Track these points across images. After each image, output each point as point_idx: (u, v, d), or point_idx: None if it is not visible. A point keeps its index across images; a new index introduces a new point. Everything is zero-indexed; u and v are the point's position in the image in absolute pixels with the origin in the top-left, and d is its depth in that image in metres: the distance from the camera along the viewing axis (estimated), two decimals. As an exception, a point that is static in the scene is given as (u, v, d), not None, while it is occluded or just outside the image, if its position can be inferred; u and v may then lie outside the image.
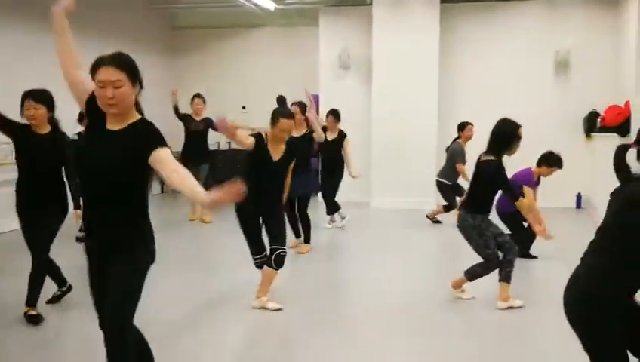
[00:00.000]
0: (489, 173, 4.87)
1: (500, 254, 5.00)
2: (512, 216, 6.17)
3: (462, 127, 8.47)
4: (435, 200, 10.14)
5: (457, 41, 10.50)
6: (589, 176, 9.66)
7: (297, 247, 7.03)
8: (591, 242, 2.74)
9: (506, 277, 5.00)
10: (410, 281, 5.94)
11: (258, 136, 4.86)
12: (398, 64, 10.27)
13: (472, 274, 5.10)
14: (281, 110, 5.12)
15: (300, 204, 7.03)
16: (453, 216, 8.45)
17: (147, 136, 2.74)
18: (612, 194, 2.71)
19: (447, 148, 8.65)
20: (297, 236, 7.16)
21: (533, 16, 10.31)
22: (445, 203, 8.67)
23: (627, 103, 9.22)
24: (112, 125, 2.76)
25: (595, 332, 2.62)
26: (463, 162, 8.23)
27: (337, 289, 5.90)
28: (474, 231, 4.94)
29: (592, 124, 9.76)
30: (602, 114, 9.57)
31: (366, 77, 10.68)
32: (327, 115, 8.01)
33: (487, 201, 5.00)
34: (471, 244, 5.04)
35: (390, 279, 6.02)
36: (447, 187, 8.53)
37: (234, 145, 11.64)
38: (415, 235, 8.23)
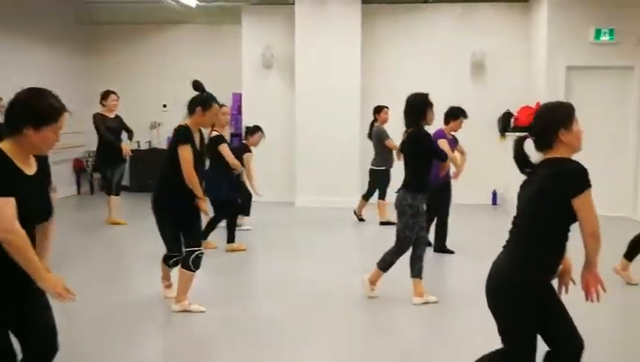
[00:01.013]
0: (416, 142, 5.06)
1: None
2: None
3: (378, 110, 8.70)
4: (358, 198, 10.31)
5: (379, 41, 10.69)
6: (504, 174, 10.06)
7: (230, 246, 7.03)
8: (509, 231, 2.92)
9: (418, 273, 5.14)
10: (331, 279, 5.98)
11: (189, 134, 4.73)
12: (321, 63, 10.35)
13: (385, 263, 5.17)
14: (213, 96, 4.87)
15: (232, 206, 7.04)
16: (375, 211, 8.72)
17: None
18: (522, 186, 2.90)
19: (369, 134, 8.80)
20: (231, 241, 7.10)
21: (451, 18, 10.64)
22: (365, 192, 8.86)
23: (538, 104, 9.67)
24: (28, 170, 2.66)
25: (512, 315, 2.79)
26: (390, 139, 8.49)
27: (261, 290, 5.87)
28: (410, 210, 5.00)
29: (506, 123, 10.16)
30: (515, 114, 9.99)
31: (289, 76, 10.70)
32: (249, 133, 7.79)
33: (423, 178, 5.11)
34: (399, 222, 5.09)
35: (312, 278, 6.05)
36: (378, 173, 8.63)
37: (155, 144, 11.42)
38: (340, 234, 8.31)
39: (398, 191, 5.17)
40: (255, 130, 7.61)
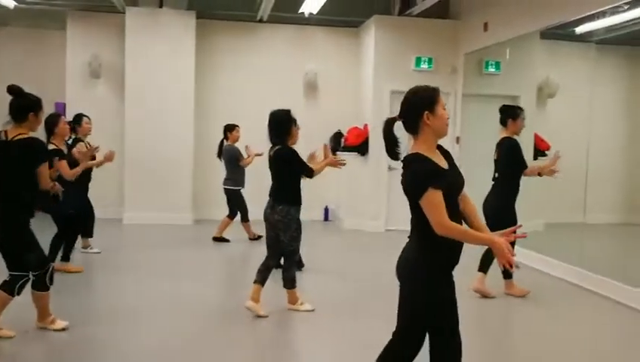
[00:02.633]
0: (284, 159, 5.11)
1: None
2: None
3: (230, 128, 8.53)
4: (191, 215, 10.10)
5: (215, 56, 10.61)
6: (335, 191, 10.45)
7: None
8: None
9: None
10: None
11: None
12: (153, 75, 10.03)
13: (290, 280, 5.25)
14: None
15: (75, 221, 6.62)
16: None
17: None
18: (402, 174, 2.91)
19: (219, 153, 8.62)
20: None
21: (286, 38, 10.88)
22: (229, 213, 8.62)
23: (366, 126, 10.21)
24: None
25: (406, 293, 2.83)
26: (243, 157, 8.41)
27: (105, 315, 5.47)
28: (294, 223, 5.09)
29: (337, 143, 10.58)
30: (345, 134, 10.44)
31: (119, 87, 10.23)
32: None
33: (298, 190, 5.17)
34: (285, 236, 5.10)
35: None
36: (234, 193, 8.48)
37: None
38: (176, 253, 8.03)
39: (278, 206, 5.11)
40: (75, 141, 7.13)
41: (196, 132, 10.21)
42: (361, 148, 10.14)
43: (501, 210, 5.77)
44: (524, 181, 5.98)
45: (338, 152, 10.42)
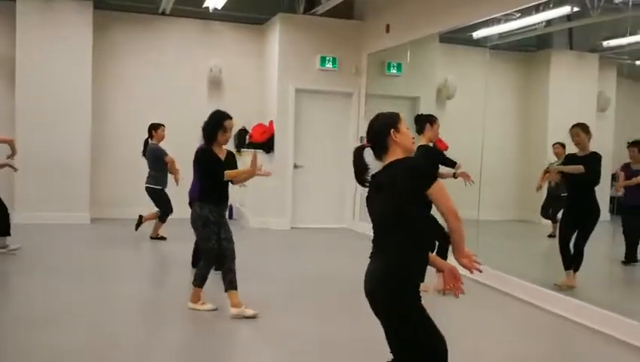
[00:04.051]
0: (198, 158, 5.13)
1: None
2: None
3: (155, 127, 8.27)
4: (87, 213, 9.68)
5: (115, 49, 10.22)
6: (240, 189, 10.33)
7: None
8: (372, 241, 2.89)
9: (230, 285, 5.08)
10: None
11: None
12: (48, 69, 9.51)
13: (200, 279, 5.14)
14: None
15: None
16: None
17: None
18: (368, 198, 2.91)
19: (144, 152, 8.32)
20: None
21: (189, 32, 10.64)
22: (158, 211, 8.32)
23: (271, 123, 10.20)
24: None
25: (403, 314, 2.75)
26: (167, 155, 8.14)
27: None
28: (199, 221, 5.06)
29: (242, 140, 10.50)
30: (250, 131, 10.39)
31: (9, 78, 9.62)
32: None
33: (210, 190, 5.12)
34: (196, 234, 5.20)
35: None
36: (158, 193, 8.19)
37: None
38: (80, 252, 7.66)
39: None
40: None
41: (95, 129, 9.78)
42: (266, 146, 10.12)
43: None
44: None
45: (243, 149, 10.37)
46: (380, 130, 2.92)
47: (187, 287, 5.38)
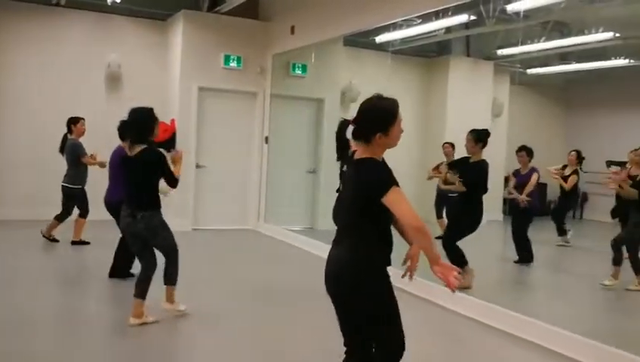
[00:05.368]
0: (148, 161, 4.77)
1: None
2: (117, 205, 5.65)
3: (74, 121, 7.65)
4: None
5: (3, 42, 9.57)
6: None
7: None
8: (337, 229, 2.86)
9: (142, 293, 4.79)
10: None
11: None
12: None
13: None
14: None
15: None
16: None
17: None
18: (342, 182, 2.84)
19: (61, 148, 7.68)
20: None
21: (84, 26, 10.10)
22: (60, 213, 7.71)
23: (173, 121, 9.92)
24: None
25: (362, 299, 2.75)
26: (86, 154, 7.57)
27: None
28: (160, 225, 4.89)
29: (142, 138, 10.15)
30: (151, 129, 10.05)
31: None
32: None
33: (157, 192, 4.88)
34: (156, 241, 4.90)
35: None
36: (73, 192, 7.60)
37: None
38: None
39: (139, 213, 4.75)
40: None
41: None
42: (168, 144, 9.81)
43: None
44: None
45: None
46: (370, 127, 2.73)
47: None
